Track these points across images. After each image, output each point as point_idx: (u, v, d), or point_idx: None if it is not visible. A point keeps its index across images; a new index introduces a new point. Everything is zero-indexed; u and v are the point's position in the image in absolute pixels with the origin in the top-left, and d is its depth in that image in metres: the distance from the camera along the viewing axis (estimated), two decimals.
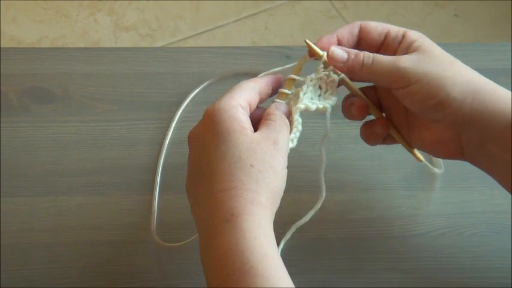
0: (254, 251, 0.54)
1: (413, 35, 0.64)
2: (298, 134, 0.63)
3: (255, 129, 0.61)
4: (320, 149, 0.66)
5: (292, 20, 2.02)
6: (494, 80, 0.79)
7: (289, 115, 0.63)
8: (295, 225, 0.66)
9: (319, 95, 0.65)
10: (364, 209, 0.77)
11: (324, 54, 0.65)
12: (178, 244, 0.72)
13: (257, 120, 0.62)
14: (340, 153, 0.80)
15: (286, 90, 0.65)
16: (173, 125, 0.82)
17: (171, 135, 0.81)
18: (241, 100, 0.61)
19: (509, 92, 0.62)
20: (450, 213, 0.77)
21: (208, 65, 0.86)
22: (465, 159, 0.66)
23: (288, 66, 0.67)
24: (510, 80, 0.85)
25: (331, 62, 0.64)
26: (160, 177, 0.78)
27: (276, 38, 1.97)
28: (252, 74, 0.84)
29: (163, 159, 0.79)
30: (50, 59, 0.87)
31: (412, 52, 0.63)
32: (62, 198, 0.77)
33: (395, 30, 0.65)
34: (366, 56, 0.63)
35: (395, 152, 0.80)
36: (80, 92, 0.84)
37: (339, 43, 0.65)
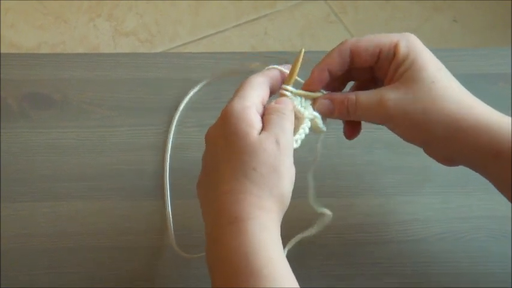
0: (258, 253, 0.54)
1: (404, 50, 0.62)
2: (303, 136, 0.63)
3: None
4: (307, 176, 0.66)
5: (291, 25, 2.02)
6: (494, 85, 0.79)
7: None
8: (297, 236, 0.66)
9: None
10: (362, 214, 0.77)
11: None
12: (197, 255, 0.71)
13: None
14: (338, 159, 0.80)
15: (289, 89, 0.64)
16: (172, 129, 0.82)
17: (171, 140, 0.81)
18: (255, 99, 0.60)
19: (492, 117, 0.61)
20: (449, 218, 0.77)
21: (208, 70, 0.86)
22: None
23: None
24: (510, 85, 0.85)
25: (321, 113, 0.64)
26: (161, 183, 0.78)
27: (275, 43, 1.98)
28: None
29: (164, 165, 0.79)
30: (49, 64, 0.87)
31: (398, 79, 0.62)
32: (61, 203, 0.77)
33: (386, 47, 0.63)
34: (350, 102, 0.63)
35: (393, 157, 0.80)
36: (79, 97, 0.84)
37: (330, 73, 0.64)
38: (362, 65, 0.64)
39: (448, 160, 0.65)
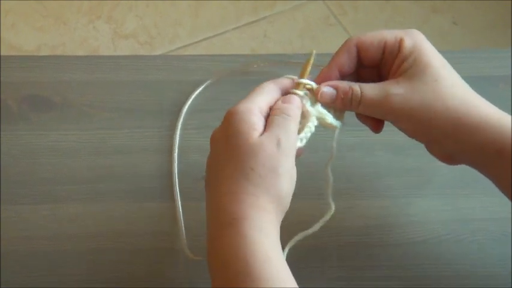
0: (255, 254, 0.54)
1: (408, 45, 0.62)
2: (309, 135, 0.62)
3: None
4: (326, 171, 0.66)
5: (291, 27, 2.02)
6: (494, 87, 0.79)
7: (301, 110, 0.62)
8: (301, 234, 0.66)
9: (328, 111, 0.64)
10: (362, 217, 0.77)
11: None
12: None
13: None
14: (339, 161, 0.79)
15: (299, 92, 0.63)
16: (177, 131, 0.81)
17: (177, 142, 0.81)
18: (261, 102, 0.60)
19: (495, 115, 0.61)
20: (449, 220, 0.77)
21: (208, 72, 0.86)
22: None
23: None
24: (510, 87, 0.85)
25: (322, 102, 0.64)
26: (163, 185, 0.78)
27: (275, 46, 1.98)
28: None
29: (165, 168, 0.79)
30: (49, 67, 0.87)
31: (403, 73, 0.62)
32: (61, 206, 0.77)
33: (391, 41, 0.63)
34: (355, 93, 0.63)
35: (394, 159, 0.80)
36: (79, 100, 0.84)
37: (340, 72, 0.64)
38: (369, 61, 0.64)
39: (450, 158, 0.64)
